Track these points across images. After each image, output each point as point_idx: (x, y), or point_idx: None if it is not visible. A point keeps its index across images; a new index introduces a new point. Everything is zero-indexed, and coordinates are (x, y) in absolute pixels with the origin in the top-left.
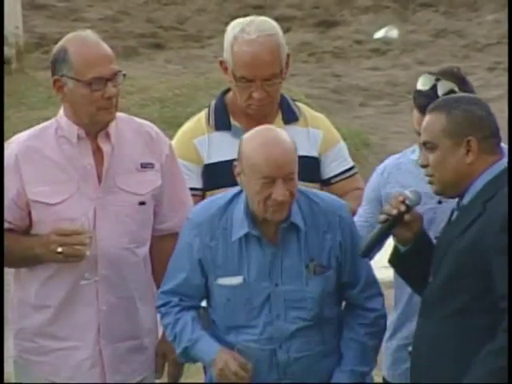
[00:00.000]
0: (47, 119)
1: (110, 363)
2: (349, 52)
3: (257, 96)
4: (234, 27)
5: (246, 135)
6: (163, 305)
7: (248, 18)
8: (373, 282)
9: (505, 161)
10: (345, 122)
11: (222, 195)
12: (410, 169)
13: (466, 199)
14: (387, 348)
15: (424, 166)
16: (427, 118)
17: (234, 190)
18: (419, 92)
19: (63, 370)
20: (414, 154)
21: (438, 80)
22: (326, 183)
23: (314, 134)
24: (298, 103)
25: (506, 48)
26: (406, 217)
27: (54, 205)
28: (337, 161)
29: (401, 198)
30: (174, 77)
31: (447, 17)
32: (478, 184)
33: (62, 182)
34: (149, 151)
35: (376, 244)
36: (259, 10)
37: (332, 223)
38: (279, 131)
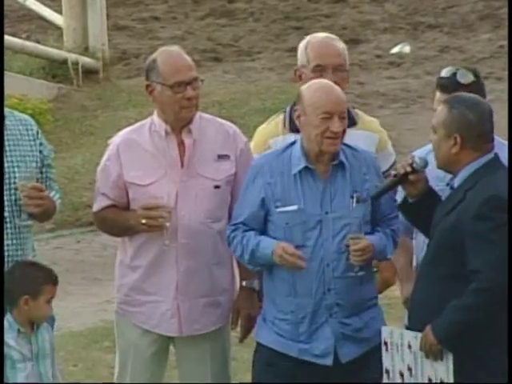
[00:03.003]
0: (128, 118)
1: (187, 315)
2: (370, 64)
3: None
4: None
5: (305, 85)
6: (232, 231)
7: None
8: (396, 215)
9: (489, 156)
10: None
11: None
12: (429, 157)
13: (456, 184)
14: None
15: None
16: (440, 106)
17: (289, 140)
18: (441, 77)
19: (151, 318)
20: None
21: (457, 69)
22: None
23: (372, 137)
24: (356, 110)
25: (497, 61)
26: (411, 177)
27: (146, 186)
28: (386, 159)
29: (409, 161)
30: (230, 84)
31: (449, 36)
32: (464, 173)
33: (152, 168)
34: (226, 145)
35: (385, 192)
36: (299, 30)
37: (370, 168)
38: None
